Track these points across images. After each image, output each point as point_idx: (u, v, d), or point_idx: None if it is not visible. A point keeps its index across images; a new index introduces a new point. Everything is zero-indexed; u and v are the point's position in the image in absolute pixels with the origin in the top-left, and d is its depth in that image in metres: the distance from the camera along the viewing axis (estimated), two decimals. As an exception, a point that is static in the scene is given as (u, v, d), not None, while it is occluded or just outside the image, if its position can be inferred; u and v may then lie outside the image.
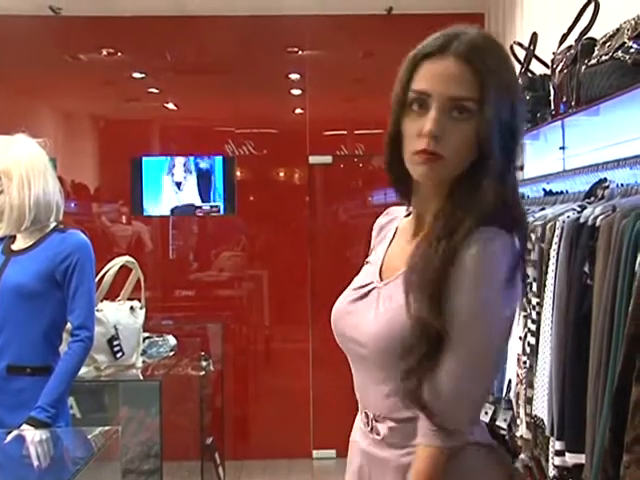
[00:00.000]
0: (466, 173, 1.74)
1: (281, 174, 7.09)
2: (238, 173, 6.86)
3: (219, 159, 6.73)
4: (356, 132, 7.03)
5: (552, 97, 3.73)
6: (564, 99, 3.49)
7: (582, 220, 3.14)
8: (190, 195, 6.68)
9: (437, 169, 1.72)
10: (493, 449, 1.86)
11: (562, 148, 4.34)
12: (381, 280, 1.85)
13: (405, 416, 1.75)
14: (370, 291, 1.84)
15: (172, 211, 6.70)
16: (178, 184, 6.67)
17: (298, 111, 6.97)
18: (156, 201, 6.67)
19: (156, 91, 7.01)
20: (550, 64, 3.79)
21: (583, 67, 3.17)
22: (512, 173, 1.79)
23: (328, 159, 6.78)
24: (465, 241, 1.66)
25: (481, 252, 1.65)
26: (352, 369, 1.88)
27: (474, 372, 1.69)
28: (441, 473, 1.71)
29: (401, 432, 1.77)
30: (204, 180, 6.68)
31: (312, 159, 6.82)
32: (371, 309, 1.80)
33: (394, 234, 1.95)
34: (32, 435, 2.91)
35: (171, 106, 7.03)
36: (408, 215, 1.92)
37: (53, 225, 3.26)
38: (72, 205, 6.69)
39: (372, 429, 1.82)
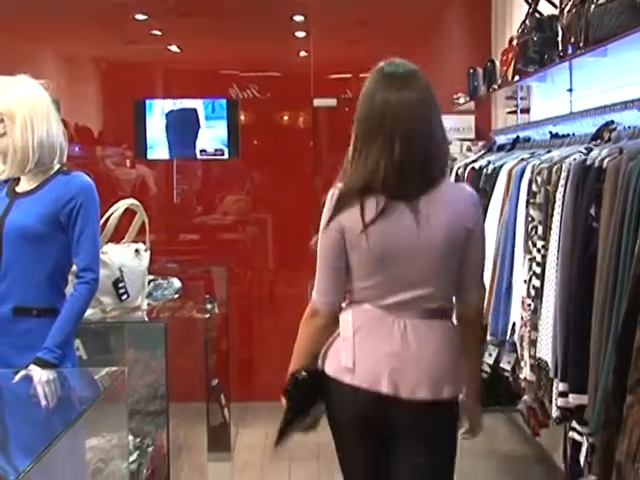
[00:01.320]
0: None
1: (285, 118, 7.05)
2: (242, 117, 6.82)
3: (223, 102, 6.69)
4: (362, 75, 6.95)
5: (560, 38, 3.70)
6: (572, 40, 3.46)
7: (589, 162, 3.13)
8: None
9: None
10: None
11: (569, 90, 4.31)
12: None
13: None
14: None
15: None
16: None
17: (302, 54, 6.90)
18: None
19: (159, 33, 6.94)
20: (558, 4, 3.75)
21: (592, 6, 3.13)
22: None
23: (333, 102, 6.73)
24: None
25: None
26: None
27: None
28: (306, 319, 2.81)
29: None
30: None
31: (317, 102, 6.77)
32: None
33: None
34: (39, 375, 2.93)
35: (174, 49, 6.96)
36: None
37: (57, 167, 3.24)
38: (76, 149, 6.67)
39: None
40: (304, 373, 2.78)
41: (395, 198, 2.61)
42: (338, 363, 2.67)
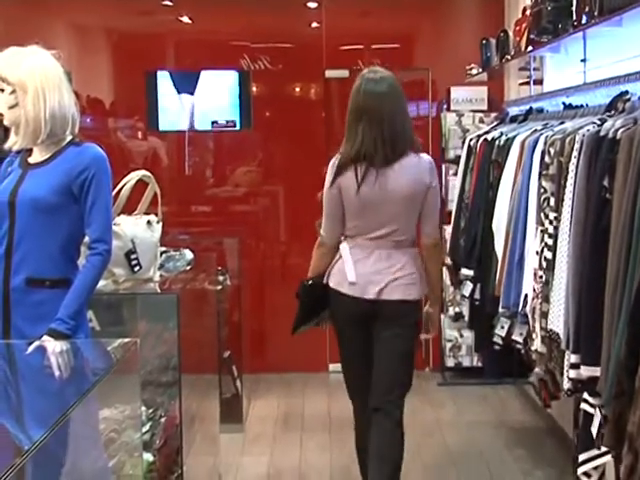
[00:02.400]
0: None
1: (297, 89, 7.03)
2: (254, 88, 6.81)
3: (234, 73, 6.68)
4: (373, 46, 6.94)
5: (574, 7, 3.66)
6: (586, 9, 3.43)
7: (602, 133, 3.11)
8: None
9: None
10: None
11: (583, 60, 4.28)
12: None
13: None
14: None
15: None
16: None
17: (314, 25, 6.87)
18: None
19: (170, 4, 6.91)
20: (573, -27, 3.71)
21: (607, -25, 3.10)
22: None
23: (345, 73, 6.70)
24: None
25: None
26: None
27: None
28: (316, 248, 3.97)
29: None
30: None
31: (328, 73, 6.75)
32: None
33: None
34: (53, 346, 2.94)
35: (185, 19, 6.93)
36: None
37: (69, 138, 3.24)
38: (87, 120, 6.66)
39: None
40: (310, 281, 3.99)
41: (371, 165, 3.75)
42: (339, 279, 3.88)
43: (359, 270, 3.82)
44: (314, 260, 3.98)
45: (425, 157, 3.86)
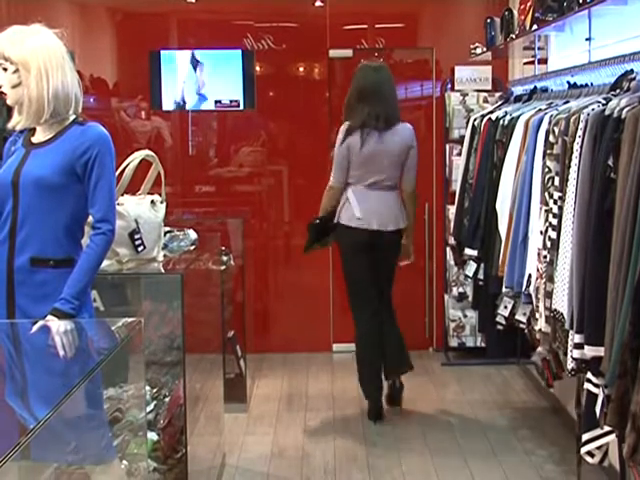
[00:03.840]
0: None
1: (301, 68, 7.00)
2: (257, 68, 6.79)
3: (238, 53, 6.66)
4: (377, 26, 6.91)
5: (580, -15, 3.64)
6: (592, -13, 3.40)
7: (607, 112, 3.10)
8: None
9: None
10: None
11: (588, 39, 4.26)
12: None
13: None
14: None
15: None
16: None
17: (318, 4, 6.83)
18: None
19: (173, -17, 6.88)
20: (578, -49, 3.68)
21: (613, -47, 3.08)
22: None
23: (349, 52, 6.68)
24: None
25: None
26: None
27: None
28: (326, 192, 5.34)
29: None
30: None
31: (332, 53, 6.73)
32: None
33: None
34: (57, 326, 2.94)
35: (189, -2, 6.91)
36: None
37: (72, 118, 3.23)
38: (91, 100, 6.65)
39: None
40: (317, 220, 5.29)
41: (373, 130, 5.14)
42: (348, 216, 5.21)
43: (363, 208, 5.15)
44: (324, 201, 5.30)
45: (407, 125, 5.30)
